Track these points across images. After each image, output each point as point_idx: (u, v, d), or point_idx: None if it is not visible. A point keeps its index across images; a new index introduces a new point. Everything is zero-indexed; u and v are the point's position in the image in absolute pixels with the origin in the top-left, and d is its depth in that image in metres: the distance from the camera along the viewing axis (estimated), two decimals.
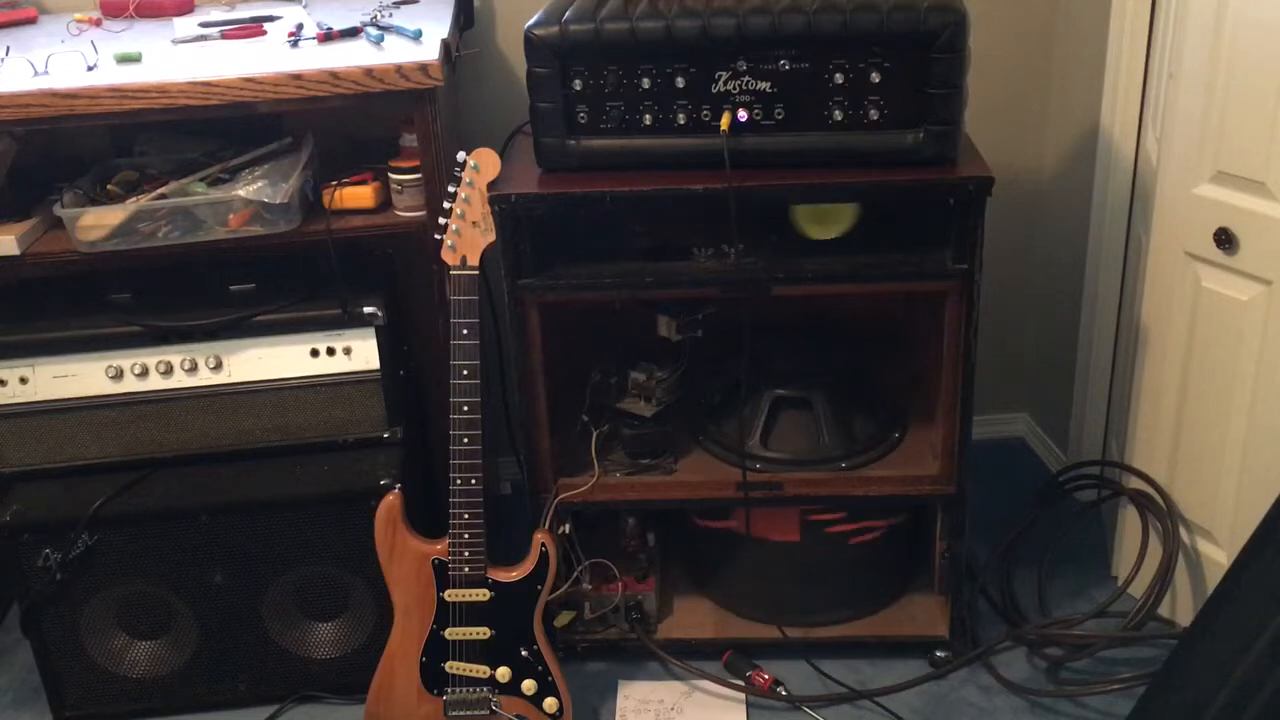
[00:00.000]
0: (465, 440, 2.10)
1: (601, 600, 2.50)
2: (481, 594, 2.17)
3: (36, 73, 2.15)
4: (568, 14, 2.10)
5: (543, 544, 2.18)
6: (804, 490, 2.35)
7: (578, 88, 2.12)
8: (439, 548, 2.16)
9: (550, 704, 2.23)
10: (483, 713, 2.22)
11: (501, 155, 2.17)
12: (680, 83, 2.10)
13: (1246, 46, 2.09)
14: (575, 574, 2.46)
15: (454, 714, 2.23)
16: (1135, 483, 2.53)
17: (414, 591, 2.18)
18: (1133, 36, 2.52)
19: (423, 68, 2.13)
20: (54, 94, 2.09)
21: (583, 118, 2.14)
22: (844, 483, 2.36)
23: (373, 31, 2.28)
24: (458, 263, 2.09)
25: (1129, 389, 2.56)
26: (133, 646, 2.39)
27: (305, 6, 2.57)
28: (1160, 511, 2.43)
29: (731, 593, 2.56)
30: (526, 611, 2.19)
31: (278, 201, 2.22)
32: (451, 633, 2.19)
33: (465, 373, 2.08)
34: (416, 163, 2.27)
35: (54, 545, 2.25)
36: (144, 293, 2.38)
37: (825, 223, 2.23)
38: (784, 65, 2.07)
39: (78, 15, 2.52)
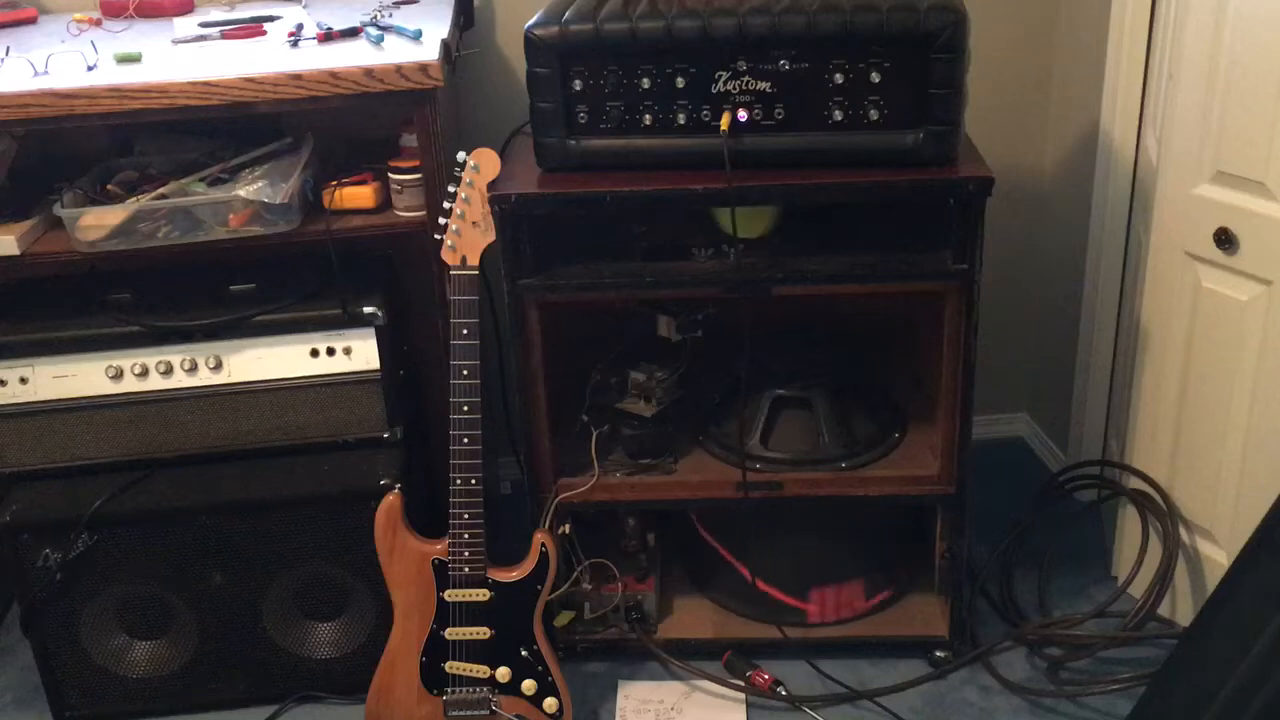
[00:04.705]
0: (465, 440, 2.10)
1: (601, 600, 2.50)
2: (481, 594, 2.17)
3: (36, 73, 2.15)
4: (568, 14, 2.10)
5: (543, 544, 2.18)
6: (804, 490, 2.35)
7: (577, 88, 2.12)
8: (439, 548, 2.16)
9: (550, 704, 2.23)
10: (483, 713, 2.22)
11: (501, 155, 2.17)
12: (680, 83, 2.10)
13: (1246, 46, 2.09)
14: (575, 574, 2.46)
15: (454, 714, 2.23)
16: (1135, 483, 2.53)
17: (414, 591, 2.18)
18: (1133, 36, 2.52)
19: (423, 68, 2.13)
20: (54, 94, 2.09)
21: (583, 118, 2.14)
22: (844, 483, 2.36)
23: (373, 31, 2.28)
24: (458, 263, 2.09)
25: (1129, 389, 2.56)
26: (133, 646, 2.38)
27: (305, 6, 2.57)
28: (1160, 511, 2.43)
29: (731, 592, 2.57)
30: (526, 612, 2.19)
31: (278, 201, 2.22)
32: (451, 633, 2.19)
33: (465, 373, 2.08)
34: (416, 163, 2.27)
35: (54, 545, 2.25)
36: (144, 293, 2.38)
37: (748, 222, 2.22)
38: (784, 65, 2.07)
39: (77, 15, 2.52)
